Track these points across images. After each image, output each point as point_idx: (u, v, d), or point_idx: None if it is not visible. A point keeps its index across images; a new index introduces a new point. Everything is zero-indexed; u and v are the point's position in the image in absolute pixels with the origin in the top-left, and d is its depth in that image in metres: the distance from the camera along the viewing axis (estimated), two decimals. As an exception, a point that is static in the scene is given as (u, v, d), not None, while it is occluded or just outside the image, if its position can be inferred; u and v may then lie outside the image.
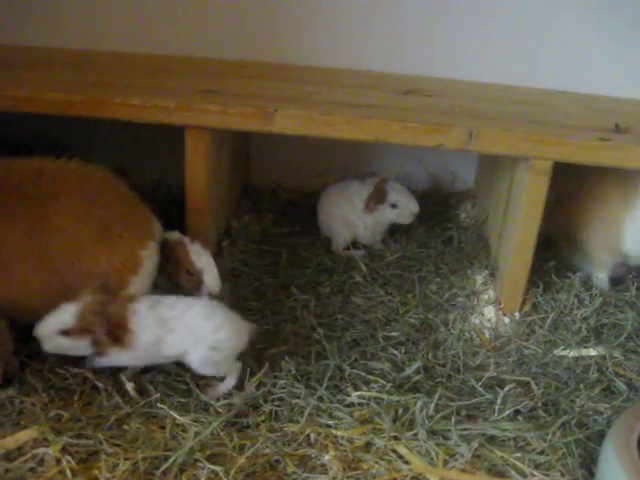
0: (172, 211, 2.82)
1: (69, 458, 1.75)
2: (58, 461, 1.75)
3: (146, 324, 1.97)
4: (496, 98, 2.77)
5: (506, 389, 2.08)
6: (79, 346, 1.97)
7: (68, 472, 1.72)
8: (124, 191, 2.26)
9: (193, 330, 1.98)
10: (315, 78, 2.82)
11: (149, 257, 2.20)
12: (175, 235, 2.30)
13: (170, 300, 2.05)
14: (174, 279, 2.28)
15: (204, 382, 2.06)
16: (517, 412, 2.03)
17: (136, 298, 2.03)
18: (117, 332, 1.96)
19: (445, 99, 2.68)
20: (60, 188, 2.14)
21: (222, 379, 2.05)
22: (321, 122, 2.28)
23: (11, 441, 1.80)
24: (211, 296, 2.22)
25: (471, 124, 2.30)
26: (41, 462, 1.75)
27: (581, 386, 2.15)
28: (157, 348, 1.98)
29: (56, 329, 1.94)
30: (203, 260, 2.25)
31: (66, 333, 1.94)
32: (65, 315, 1.95)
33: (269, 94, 2.52)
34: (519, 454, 1.87)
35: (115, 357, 2.00)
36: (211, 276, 2.25)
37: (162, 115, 2.31)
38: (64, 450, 1.79)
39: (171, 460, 1.76)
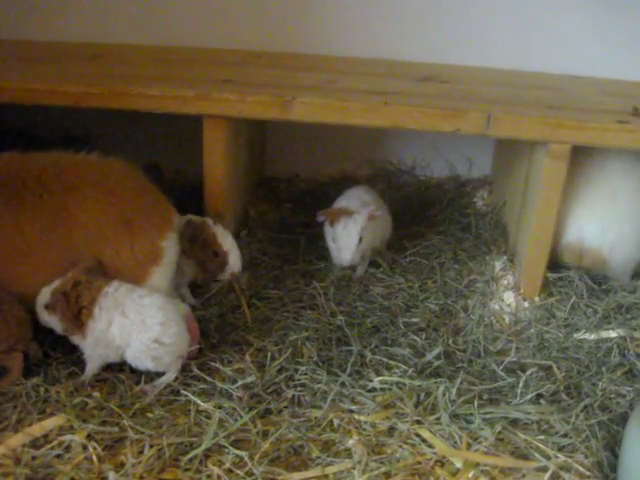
0: (191, 201, 2.85)
1: (95, 444, 1.77)
2: (84, 447, 1.77)
3: (106, 307, 1.99)
4: (512, 83, 2.77)
5: (528, 373, 2.08)
6: (54, 323, 2.03)
7: (94, 458, 1.73)
8: (143, 183, 2.28)
9: (143, 318, 1.99)
10: (331, 66, 2.82)
11: (170, 247, 2.21)
12: (198, 217, 2.34)
13: (132, 287, 2.07)
14: (199, 260, 2.33)
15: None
16: (539, 396, 2.03)
17: (108, 282, 2.05)
18: (81, 315, 2.00)
19: (461, 85, 2.68)
20: (80, 181, 2.16)
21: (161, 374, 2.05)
22: (339, 109, 2.29)
23: (37, 429, 1.82)
24: (233, 277, 2.28)
25: (488, 109, 2.30)
26: (67, 449, 1.77)
27: (603, 369, 2.15)
28: (106, 334, 1.99)
29: (41, 303, 2.02)
30: (227, 241, 2.31)
31: (46, 307, 2.02)
32: (47, 290, 2.02)
33: (286, 83, 2.53)
34: (542, 437, 1.87)
35: (80, 344, 2.03)
36: (235, 257, 2.31)
37: (180, 105, 2.33)
38: (90, 437, 1.81)
39: (203, 446, 1.77)
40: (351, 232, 2.45)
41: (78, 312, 2.00)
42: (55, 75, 2.51)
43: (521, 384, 2.04)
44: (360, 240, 2.45)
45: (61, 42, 3.08)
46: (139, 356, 1.99)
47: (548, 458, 1.80)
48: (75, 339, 2.04)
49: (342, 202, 2.59)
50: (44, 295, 2.03)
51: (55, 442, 1.78)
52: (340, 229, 2.46)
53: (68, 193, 2.13)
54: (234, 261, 2.31)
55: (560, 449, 1.84)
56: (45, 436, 1.81)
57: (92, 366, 2.03)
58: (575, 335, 2.31)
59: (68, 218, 2.11)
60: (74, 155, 2.24)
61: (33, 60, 2.78)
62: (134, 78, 2.51)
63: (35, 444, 1.78)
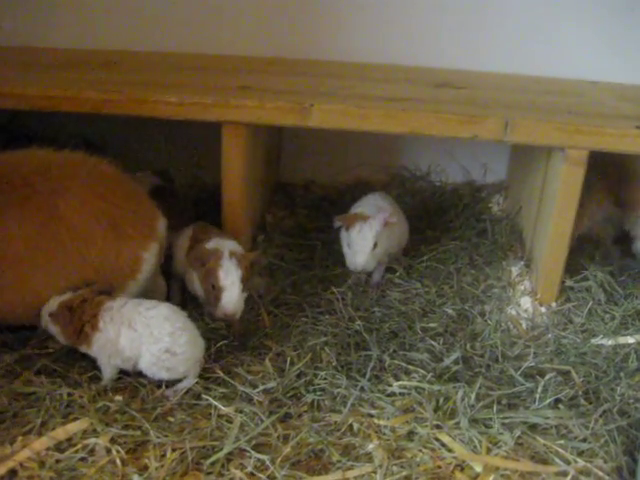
0: (207, 208, 2.88)
1: (118, 448, 1.78)
2: (108, 451, 1.78)
3: (110, 320, 2.02)
4: (529, 89, 2.78)
5: (546, 378, 2.09)
6: (55, 332, 2.07)
7: (118, 461, 1.75)
8: (131, 187, 2.25)
9: (152, 330, 2.00)
10: (347, 73, 2.84)
11: (148, 260, 2.20)
12: (216, 245, 2.27)
13: (138, 300, 2.08)
14: (201, 285, 2.27)
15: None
16: (558, 401, 2.03)
17: (113, 298, 2.08)
18: (85, 330, 2.02)
19: (478, 91, 2.69)
20: (70, 182, 2.13)
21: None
22: (357, 115, 2.30)
23: (61, 432, 1.84)
24: (227, 317, 2.19)
25: (506, 115, 2.31)
26: (91, 452, 1.79)
27: (621, 374, 2.15)
28: (116, 345, 2.01)
29: (47, 310, 2.06)
30: (229, 279, 2.18)
31: (50, 316, 2.05)
32: (56, 301, 2.05)
33: (303, 89, 2.55)
34: (562, 441, 1.87)
35: (89, 353, 2.06)
36: (228, 297, 2.17)
37: (199, 112, 2.35)
38: (113, 441, 1.82)
39: (225, 450, 1.78)
40: (366, 236, 2.45)
41: (81, 327, 2.03)
42: (73, 82, 2.52)
43: (540, 389, 2.04)
44: (375, 245, 2.46)
45: (74, 49, 3.11)
46: (152, 367, 2.01)
47: (568, 463, 1.81)
48: (82, 349, 2.07)
49: (358, 208, 2.60)
50: (52, 304, 2.06)
51: (79, 446, 1.80)
52: (355, 234, 2.47)
53: (57, 194, 2.09)
54: (226, 301, 2.17)
55: (579, 454, 1.85)
56: (69, 440, 1.83)
57: (107, 371, 2.05)
58: (592, 340, 2.31)
59: (58, 219, 2.08)
60: (61, 153, 2.20)
61: (48, 67, 2.81)
62: (151, 85, 2.53)
63: (59, 447, 1.80)
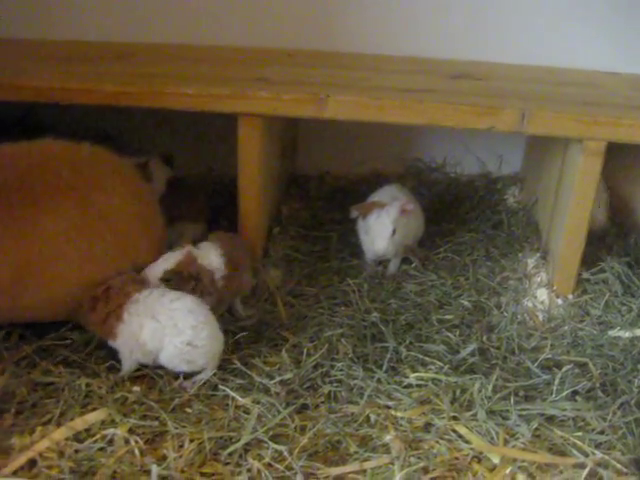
0: (222, 200, 2.89)
1: (137, 438, 1.80)
2: (126, 441, 1.79)
3: (136, 312, 2.02)
4: (544, 80, 2.77)
5: (563, 370, 2.08)
6: (82, 321, 2.10)
7: (137, 452, 1.76)
8: (150, 187, 2.39)
9: (176, 322, 2.00)
10: (363, 64, 2.84)
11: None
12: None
13: (162, 290, 2.09)
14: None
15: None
16: (575, 393, 2.03)
17: (140, 289, 2.08)
18: (110, 320, 2.03)
19: (494, 82, 2.68)
20: (104, 179, 2.16)
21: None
22: (374, 107, 2.30)
23: (80, 422, 1.85)
24: None
25: (523, 106, 2.30)
26: (110, 442, 1.80)
27: (638, 366, 2.14)
28: (137, 339, 2.01)
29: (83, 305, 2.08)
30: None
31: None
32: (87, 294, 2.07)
33: (319, 81, 2.54)
34: (579, 434, 1.87)
35: (113, 345, 2.07)
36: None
37: (215, 104, 2.35)
38: (131, 431, 1.83)
39: (242, 440, 1.79)
40: (384, 222, 2.47)
41: (106, 316, 2.03)
42: (88, 74, 2.53)
43: (557, 381, 2.04)
44: (394, 232, 2.47)
45: (90, 41, 3.10)
46: (173, 359, 2.01)
47: (585, 455, 1.81)
48: (109, 342, 2.07)
49: (374, 199, 2.61)
50: (84, 298, 2.08)
51: (98, 436, 1.81)
52: (373, 220, 2.48)
53: (92, 190, 2.11)
54: None
55: (597, 446, 1.84)
56: (87, 430, 1.84)
57: (126, 364, 2.06)
58: (610, 333, 2.31)
59: (96, 215, 2.10)
60: (82, 147, 2.21)
61: (63, 59, 2.80)
62: (167, 77, 2.53)
63: (78, 438, 1.81)
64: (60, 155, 2.16)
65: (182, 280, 2.14)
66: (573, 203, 2.37)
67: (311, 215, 2.99)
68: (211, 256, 2.23)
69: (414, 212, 2.58)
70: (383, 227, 2.47)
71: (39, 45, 3.03)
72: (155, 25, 3.14)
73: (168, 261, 2.15)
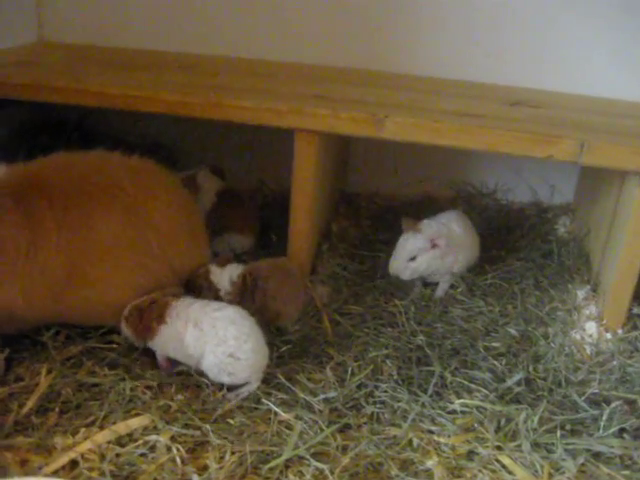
0: (272, 213, 2.90)
1: (179, 446, 1.80)
2: (168, 449, 1.80)
3: (177, 316, 2.05)
4: (604, 111, 2.73)
5: (612, 406, 2.04)
6: (129, 336, 2.14)
7: (178, 460, 1.76)
8: (195, 201, 2.49)
9: (217, 331, 2.01)
10: (421, 87, 2.84)
11: None
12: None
13: (206, 301, 2.12)
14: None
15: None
16: (623, 430, 1.98)
17: (178, 298, 2.12)
18: (152, 325, 2.06)
19: (553, 111, 2.66)
20: (157, 190, 2.22)
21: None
22: (431, 129, 2.29)
23: (122, 427, 1.86)
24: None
25: (581, 136, 2.28)
26: (152, 449, 1.81)
27: (689, 407, 2.09)
28: (182, 340, 2.03)
29: (124, 315, 2.12)
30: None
31: (125, 320, 2.11)
32: (130, 305, 2.11)
33: (376, 101, 2.55)
34: (626, 472, 1.83)
35: (151, 346, 2.11)
36: None
37: (274, 118, 2.36)
38: (173, 439, 1.84)
39: (284, 456, 1.78)
40: (405, 246, 2.46)
41: (150, 324, 2.06)
42: (150, 83, 2.57)
43: (604, 417, 2.00)
44: (413, 259, 2.46)
45: (156, 51, 3.17)
46: (213, 369, 2.02)
47: (632, 494, 1.77)
48: (147, 343, 2.11)
49: (426, 220, 2.59)
50: (127, 308, 2.11)
51: (140, 441, 1.81)
52: (402, 239, 2.49)
53: (145, 197, 2.17)
54: None
55: (644, 486, 1.81)
56: (130, 435, 1.84)
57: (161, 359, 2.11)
58: (660, 371, 2.26)
59: (147, 221, 2.16)
60: (137, 159, 2.29)
61: (128, 67, 2.86)
62: (227, 89, 2.56)
63: (120, 442, 1.82)
64: (113, 164, 2.22)
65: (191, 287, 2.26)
66: (628, 237, 2.33)
67: (360, 234, 2.99)
68: (224, 276, 2.29)
69: (463, 241, 2.56)
70: (403, 250, 2.46)
71: (103, 52, 3.08)
72: (220, 38, 3.20)
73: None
